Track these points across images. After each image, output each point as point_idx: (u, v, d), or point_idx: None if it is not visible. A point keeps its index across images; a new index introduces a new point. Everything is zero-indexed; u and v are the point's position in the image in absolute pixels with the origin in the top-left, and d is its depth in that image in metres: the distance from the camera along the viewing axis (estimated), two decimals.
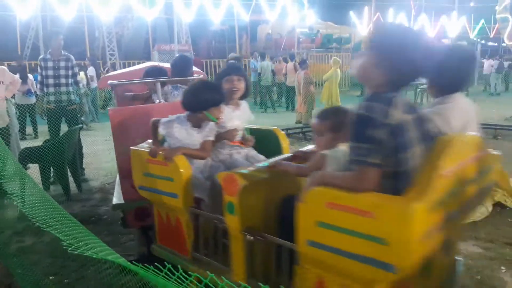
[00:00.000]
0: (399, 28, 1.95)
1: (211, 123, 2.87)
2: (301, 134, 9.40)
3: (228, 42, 22.47)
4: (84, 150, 6.51)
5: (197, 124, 2.86)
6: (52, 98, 5.91)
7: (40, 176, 5.45)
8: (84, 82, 12.13)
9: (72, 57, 6.07)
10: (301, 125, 10.38)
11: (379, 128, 1.66)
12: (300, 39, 22.85)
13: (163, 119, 2.87)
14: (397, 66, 1.75)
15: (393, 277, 1.63)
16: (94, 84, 12.40)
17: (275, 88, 16.21)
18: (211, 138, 2.88)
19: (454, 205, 1.84)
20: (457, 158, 1.87)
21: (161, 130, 2.86)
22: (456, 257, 2.35)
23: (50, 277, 3.37)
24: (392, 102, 1.71)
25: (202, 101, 2.76)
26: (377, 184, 1.70)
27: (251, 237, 2.24)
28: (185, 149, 2.74)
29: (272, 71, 15.02)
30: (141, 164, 2.89)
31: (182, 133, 2.82)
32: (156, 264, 1.45)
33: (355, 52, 23.01)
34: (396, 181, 1.73)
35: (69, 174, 5.57)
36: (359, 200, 1.68)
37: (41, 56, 6.13)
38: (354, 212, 1.69)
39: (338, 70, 11.57)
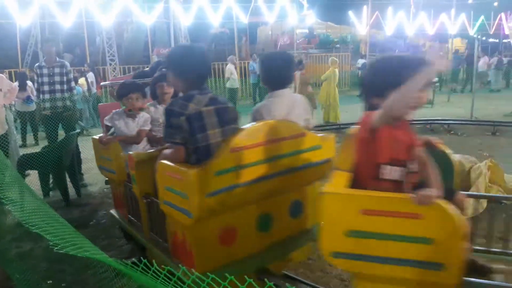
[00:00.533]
0: (181, 48, 2.90)
1: (146, 114, 3.74)
2: None
3: (227, 45, 22.49)
4: (84, 155, 6.57)
5: (131, 115, 3.70)
6: (47, 104, 5.99)
7: (39, 182, 5.52)
8: (85, 87, 12.23)
9: (66, 63, 6.14)
10: None
11: (178, 117, 2.38)
12: (299, 40, 22.89)
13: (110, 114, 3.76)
14: (184, 74, 2.51)
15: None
16: (95, 89, 12.48)
17: None
18: (146, 127, 3.72)
19: (261, 173, 2.50)
20: (260, 138, 2.50)
21: (107, 123, 3.73)
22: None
23: (48, 281, 3.42)
24: (192, 98, 2.45)
25: (118, 94, 3.74)
26: (184, 157, 2.44)
27: (145, 200, 3.05)
28: (120, 137, 3.64)
29: None
30: (97, 149, 3.80)
31: (121, 124, 3.69)
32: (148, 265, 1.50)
33: (354, 52, 23.06)
34: (198, 155, 2.42)
35: (68, 179, 5.64)
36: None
37: (36, 64, 6.22)
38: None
39: (336, 70, 11.59)
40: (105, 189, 6.02)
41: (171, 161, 2.45)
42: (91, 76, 12.81)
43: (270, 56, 3.17)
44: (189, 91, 2.51)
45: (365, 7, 21.68)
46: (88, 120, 11.91)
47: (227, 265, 2.48)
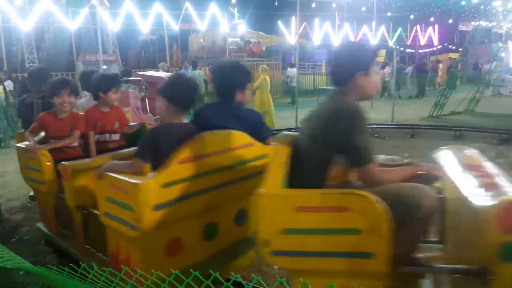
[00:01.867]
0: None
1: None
2: None
3: (158, 52, 22.12)
4: (4, 169, 6.09)
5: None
6: None
7: None
8: (2, 96, 11.34)
9: None
10: None
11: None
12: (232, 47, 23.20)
13: None
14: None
15: None
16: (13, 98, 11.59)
17: (207, 97, 16.21)
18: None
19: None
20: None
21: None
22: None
23: None
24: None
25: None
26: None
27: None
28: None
29: (205, 80, 15.01)
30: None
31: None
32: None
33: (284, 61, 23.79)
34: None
35: None
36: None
37: None
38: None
39: (267, 77, 11.87)
40: (27, 204, 5.62)
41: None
42: (9, 84, 11.90)
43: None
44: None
45: (293, 17, 22.49)
46: (7, 131, 11.03)
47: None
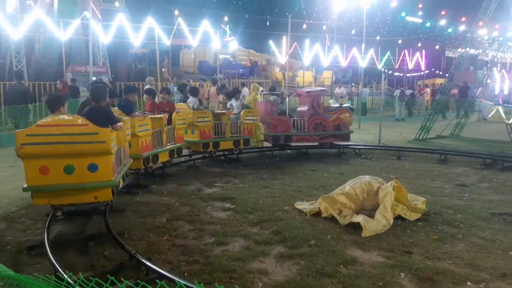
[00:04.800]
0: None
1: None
2: (222, 157, 9.52)
3: (149, 65, 22.13)
4: None
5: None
6: None
7: None
8: None
9: None
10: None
11: None
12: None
13: None
14: None
15: None
16: None
17: None
18: None
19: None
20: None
21: None
22: None
23: None
24: None
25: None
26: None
27: None
28: None
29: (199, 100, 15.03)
30: None
31: None
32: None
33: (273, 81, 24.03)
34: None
35: None
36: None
37: None
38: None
39: (258, 96, 11.98)
40: (10, 213, 5.50)
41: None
42: None
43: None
44: None
45: (284, 37, 22.83)
46: None
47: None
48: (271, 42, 25.38)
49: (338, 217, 5.11)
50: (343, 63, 26.34)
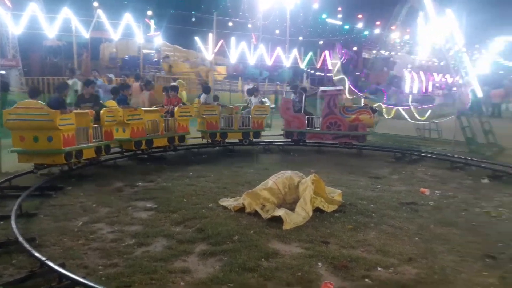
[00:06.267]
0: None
1: None
2: (146, 156, 9.23)
3: (65, 59, 20.69)
4: None
5: None
6: None
7: None
8: None
9: None
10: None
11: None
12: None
13: None
14: None
15: None
16: None
17: None
18: None
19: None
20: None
21: None
22: None
23: None
24: None
25: None
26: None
27: None
28: None
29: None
30: None
31: None
32: None
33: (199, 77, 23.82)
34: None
35: None
36: None
37: None
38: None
39: (184, 92, 11.81)
40: None
41: None
42: None
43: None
44: None
45: (210, 34, 22.69)
46: None
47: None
48: (197, 39, 25.07)
49: (261, 212, 5.22)
50: (268, 62, 26.85)
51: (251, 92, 11.79)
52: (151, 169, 8.16)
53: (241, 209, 5.43)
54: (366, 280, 3.69)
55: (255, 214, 5.26)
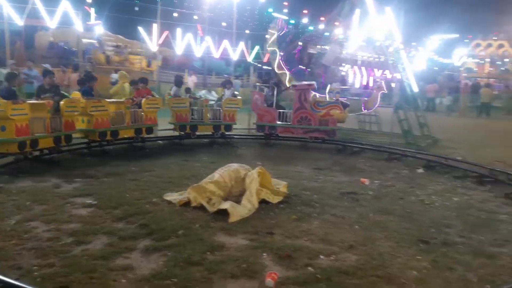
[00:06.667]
0: None
1: None
2: (85, 150, 8.84)
3: None
4: None
5: None
6: None
7: None
8: None
9: None
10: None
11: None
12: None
13: None
14: None
15: None
16: None
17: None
18: None
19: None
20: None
21: None
22: None
23: None
24: None
25: None
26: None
27: None
28: None
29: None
30: None
31: None
32: None
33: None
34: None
35: None
36: None
37: None
38: None
39: (126, 84, 11.37)
40: None
41: None
42: None
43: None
44: None
45: (154, 25, 22.07)
46: None
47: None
48: (140, 29, 24.27)
49: (206, 205, 5.18)
50: (216, 54, 26.64)
51: (223, 85, 11.80)
52: (91, 164, 7.81)
53: (187, 203, 5.36)
54: (309, 268, 3.78)
55: (201, 208, 5.21)
